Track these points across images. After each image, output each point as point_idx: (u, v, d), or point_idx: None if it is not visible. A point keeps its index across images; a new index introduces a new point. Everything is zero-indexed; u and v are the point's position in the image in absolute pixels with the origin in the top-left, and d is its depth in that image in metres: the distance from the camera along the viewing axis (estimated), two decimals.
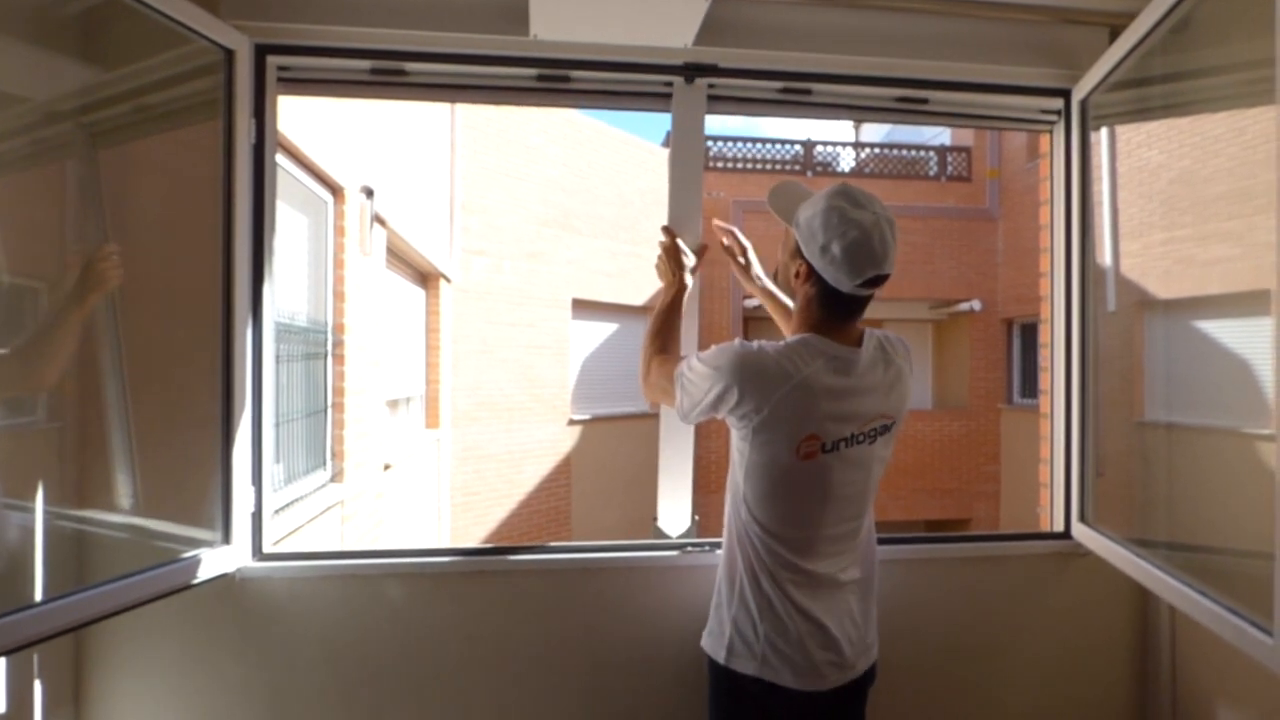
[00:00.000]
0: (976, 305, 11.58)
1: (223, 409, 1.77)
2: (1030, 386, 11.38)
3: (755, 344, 1.47)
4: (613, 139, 10.28)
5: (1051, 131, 2.16)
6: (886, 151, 13.21)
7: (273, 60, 1.85)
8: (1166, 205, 2.01)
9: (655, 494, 2.03)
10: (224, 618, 1.84)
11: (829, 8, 1.97)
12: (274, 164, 1.86)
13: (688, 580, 1.96)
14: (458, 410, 8.21)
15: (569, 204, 9.60)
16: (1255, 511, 1.33)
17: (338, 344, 4.54)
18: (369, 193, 4.81)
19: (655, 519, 2.03)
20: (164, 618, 1.77)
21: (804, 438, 1.42)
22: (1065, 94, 2.06)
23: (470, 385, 8.41)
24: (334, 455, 4.57)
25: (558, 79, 1.97)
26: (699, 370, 1.50)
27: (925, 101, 2.10)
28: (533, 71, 1.95)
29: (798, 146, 12.58)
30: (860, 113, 2.19)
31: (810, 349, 1.44)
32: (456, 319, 8.09)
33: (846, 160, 12.89)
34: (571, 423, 9.67)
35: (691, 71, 1.94)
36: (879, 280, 1.42)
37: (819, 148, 12.68)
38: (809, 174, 12.40)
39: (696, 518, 2.04)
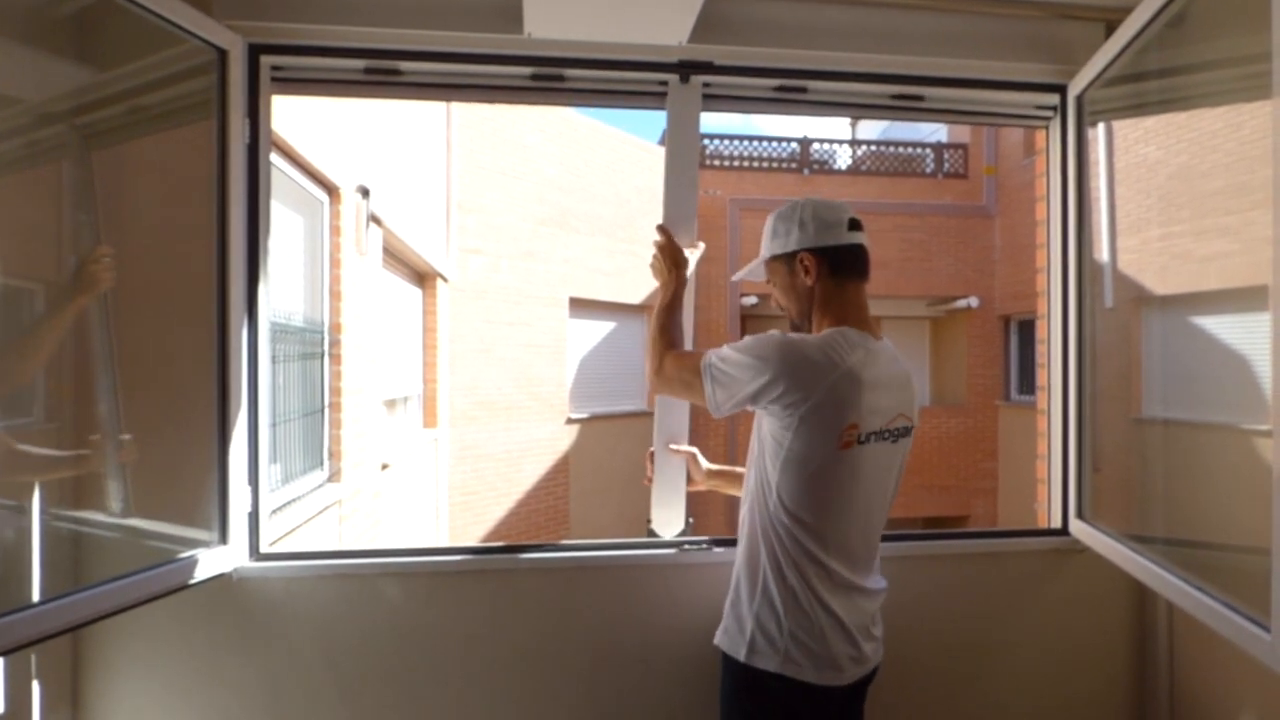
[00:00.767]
0: (974, 302, 11.58)
1: (219, 409, 1.77)
2: (1028, 383, 11.38)
3: (792, 335, 1.52)
4: (609, 137, 10.27)
5: (1048, 127, 2.16)
6: (883, 149, 13.19)
7: (266, 60, 1.85)
8: (1163, 201, 2.01)
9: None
10: (221, 618, 1.84)
11: (824, 4, 1.97)
12: (269, 164, 1.86)
13: (686, 578, 1.96)
14: (455, 409, 8.20)
15: (566, 203, 9.59)
16: (1253, 507, 1.33)
17: (334, 344, 4.53)
18: (365, 192, 4.80)
19: (649, 522, 2.02)
20: (161, 618, 1.77)
21: (846, 426, 1.46)
22: (1061, 89, 2.06)
23: (468, 384, 8.40)
24: (331, 455, 4.56)
25: (553, 77, 1.97)
26: (737, 361, 1.51)
27: (921, 98, 2.11)
28: (528, 70, 1.94)
29: (794, 144, 12.56)
30: (856, 110, 2.19)
31: (849, 340, 1.49)
32: (453, 318, 8.08)
33: (843, 157, 12.88)
34: (569, 421, 9.67)
35: (686, 69, 1.94)
36: (859, 225, 1.57)
37: (815, 145, 12.67)
38: (805, 171, 12.39)
39: (691, 520, 2.02)
